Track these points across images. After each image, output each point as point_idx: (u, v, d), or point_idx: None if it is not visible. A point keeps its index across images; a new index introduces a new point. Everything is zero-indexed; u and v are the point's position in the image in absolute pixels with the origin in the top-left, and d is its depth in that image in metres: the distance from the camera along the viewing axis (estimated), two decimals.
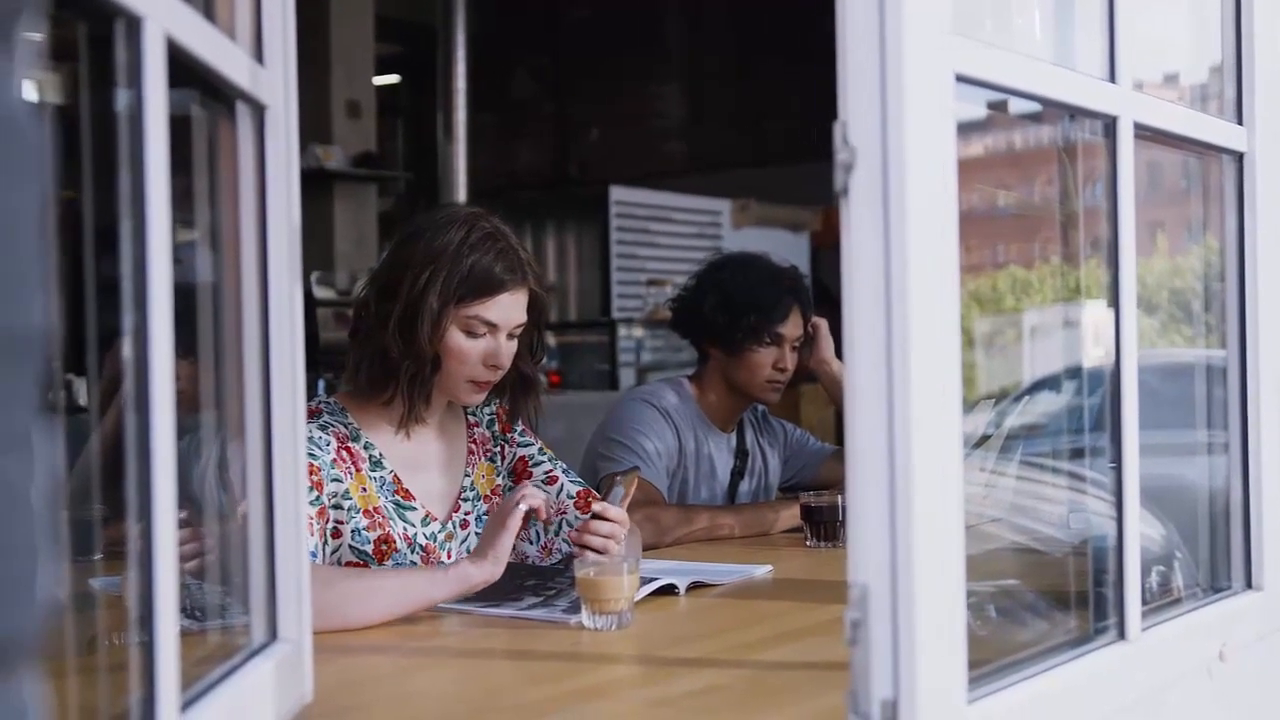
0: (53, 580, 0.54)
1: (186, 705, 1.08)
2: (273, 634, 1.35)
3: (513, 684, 1.62)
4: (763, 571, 2.32)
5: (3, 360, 0.50)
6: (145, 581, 0.99)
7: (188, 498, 1.14)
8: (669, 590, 2.08)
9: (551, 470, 2.38)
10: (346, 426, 2.20)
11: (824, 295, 3.16)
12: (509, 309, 2.18)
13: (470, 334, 2.17)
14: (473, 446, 2.35)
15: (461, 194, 8.84)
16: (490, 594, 2.02)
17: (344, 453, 2.16)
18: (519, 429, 2.41)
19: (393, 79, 10.27)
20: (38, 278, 0.52)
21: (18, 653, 0.51)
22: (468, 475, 2.32)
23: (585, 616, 1.85)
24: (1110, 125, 1.49)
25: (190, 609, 1.32)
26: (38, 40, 0.57)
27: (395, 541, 2.17)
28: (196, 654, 1.25)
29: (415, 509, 2.22)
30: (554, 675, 1.65)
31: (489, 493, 2.34)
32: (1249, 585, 1.79)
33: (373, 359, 2.18)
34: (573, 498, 2.34)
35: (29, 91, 0.54)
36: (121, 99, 0.99)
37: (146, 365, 0.98)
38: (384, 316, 2.16)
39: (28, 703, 0.52)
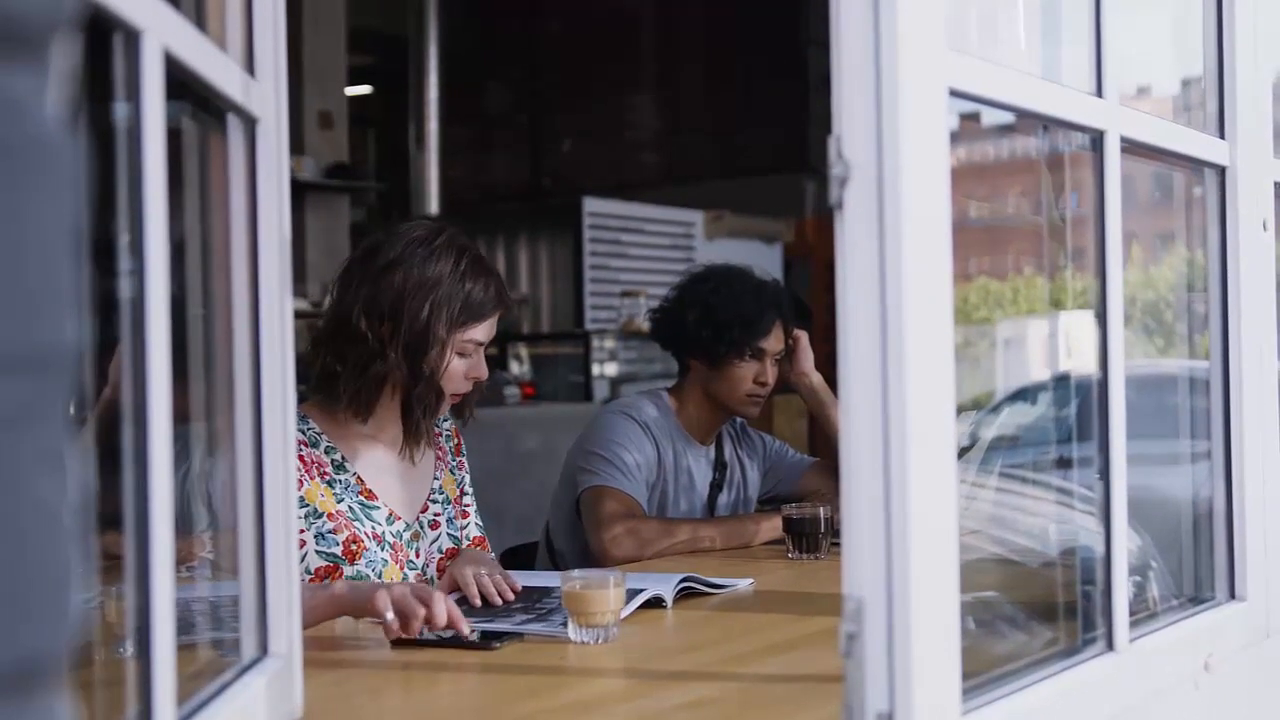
0: (82, 598, 0.53)
1: None
2: (263, 649, 1.34)
3: (501, 698, 1.61)
4: (745, 584, 2.32)
5: (38, 377, 0.50)
6: (143, 597, 0.98)
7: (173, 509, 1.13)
8: (655, 604, 2.08)
9: (469, 507, 2.48)
10: (305, 433, 2.23)
11: (799, 307, 3.16)
12: (493, 326, 2.30)
13: (462, 355, 2.26)
14: (439, 454, 2.42)
15: (434, 205, 8.83)
16: (481, 613, 2.01)
17: (298, 461, 2.17)
18: (463, 455, 2.50)
19: (365, 89, 10.26)
20: (71, 295, 0.52)
21: (51, 670, 0.51)
22: (436, 478, 2.39)
23: (571, 630, 1.84)
24: (1098, 139, 1.50)
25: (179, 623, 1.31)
26: (71, 58, 0.57)
27: (364, 540, 2.21)
28: (188, 669, 1.24)
29: (379, 508, 2.26)
30: (542, 689, 1.65)
31: (454, 499, 2.42)
32: (1232, 596, 1.80)
33: (371, 382, 2.22)
34: (469, 540, 2.42)
35: (61, 110, 0.54)
36: (119, 111, 0.99)
37: (144, 379, 0.98)
38: (380, 342, 2.19)
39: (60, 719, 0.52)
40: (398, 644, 1.85)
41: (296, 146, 7.45)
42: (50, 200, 0.51)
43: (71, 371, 0.52)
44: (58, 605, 0.51)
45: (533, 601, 2.11)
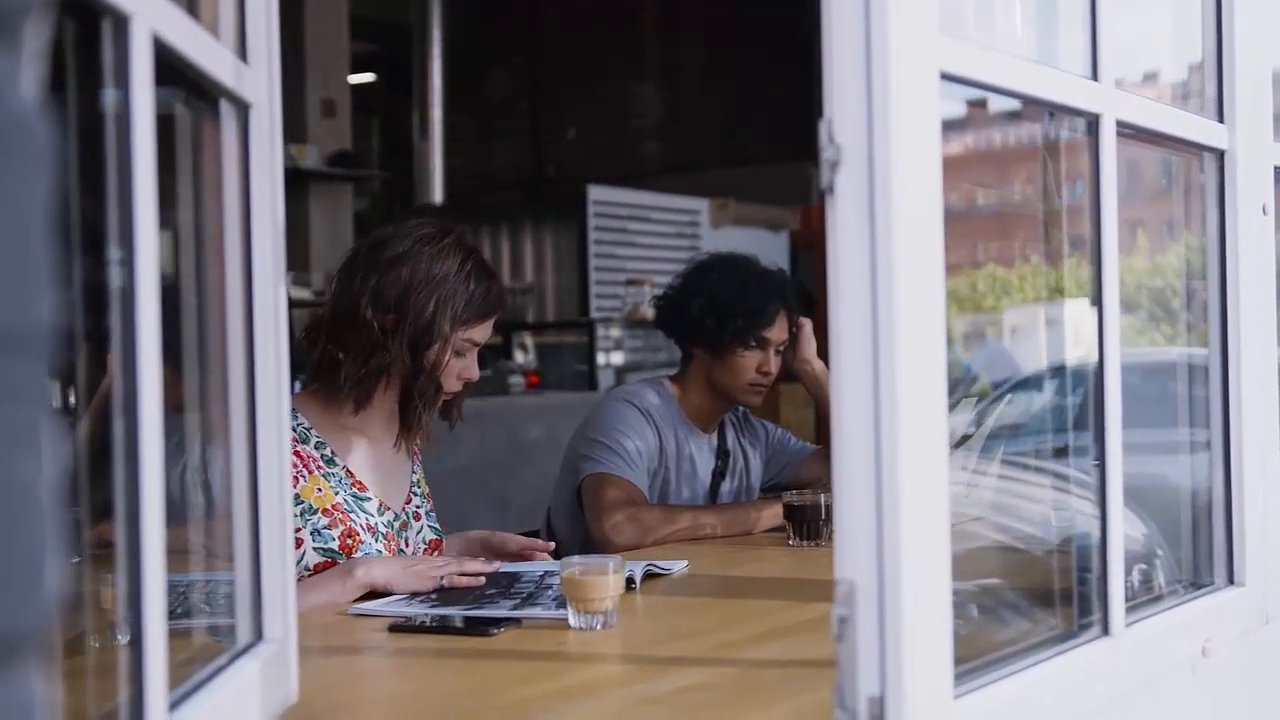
0: (60, 576, 0.54)
1: (173, 706, 1.07)
2: (258, 634, 1.35)
3: (499, 683, 1.61)
4: (681, 566, 2.34)
5: (13, 356, 0.50)
6: (134, 583, 0.98)
7: (169, 499, 1.14)
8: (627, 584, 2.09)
9: (429, 505, 2.47)
10: (295, 429, 2.23)
11: (803, 296, 3.16)
12: (490, 329, 2.33)
13: (459, 354, 2.28)
14: (415, 449, 2.45)
15: (437, 194, 8.83)
16: (471, 601, 2.01)
17: (294, 457, 2.19)
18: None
19: (368, 78, 10.26)
20: (45, 276, 0.52)
21: (26, 647, 0.51)
22: (414, 473, 2.43)
23: (570, 616, 1.84)
24: (1093, 123, 1.50)
25: (173, 609, 1.31)
26: (43, 39, 0.57)
27: (359, 534, 2.23)
28: (181, 655, 1.24)
29: (370, 499, 2.29)
30: (540, 674, 1.65)
31: (426, 495, 2.46)
32: (1230, 581, 1.80)
33: (373, 372, 2.23)
34: (425, 544, 2.41)
35: (35, 90, 0.54)
36: (108, 98, 0.98)
37: (134, 368, 0.98)
38: (383, 333, 2.21)
39: (35, 697, 0.52)
40: (394, 630, 1.86)
41: (300, 135, 7.47)
42: (23, 180, 0.51)
43: (48, 350, 0.52)
44: (34, 582, 0.51)
45: (506, 587, 2.11)
